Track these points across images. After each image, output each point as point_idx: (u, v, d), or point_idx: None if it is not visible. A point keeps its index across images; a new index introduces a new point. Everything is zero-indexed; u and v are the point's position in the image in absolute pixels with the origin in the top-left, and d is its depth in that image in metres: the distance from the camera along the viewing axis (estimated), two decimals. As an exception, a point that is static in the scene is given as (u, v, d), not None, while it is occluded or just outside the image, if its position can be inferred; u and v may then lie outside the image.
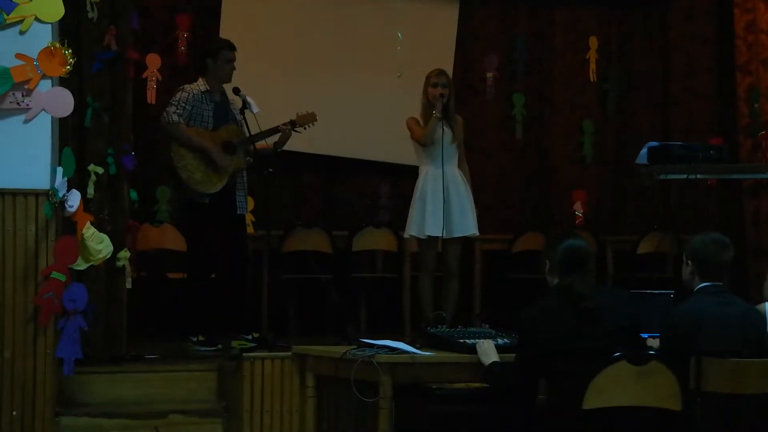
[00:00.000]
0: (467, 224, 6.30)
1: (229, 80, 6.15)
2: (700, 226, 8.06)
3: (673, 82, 8.70)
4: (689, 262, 4.28)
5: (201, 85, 6.10)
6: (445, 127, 6.31)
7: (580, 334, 4.00)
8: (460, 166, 6.42)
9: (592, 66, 8.68)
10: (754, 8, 7.76)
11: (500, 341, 4.87)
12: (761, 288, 4.75)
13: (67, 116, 4.96)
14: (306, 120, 6.32)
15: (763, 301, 4.56)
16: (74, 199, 4.86)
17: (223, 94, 6.18)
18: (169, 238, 6.98)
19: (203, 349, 5.88)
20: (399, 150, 7.70)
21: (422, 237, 6.29)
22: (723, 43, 8.25)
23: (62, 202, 4.84)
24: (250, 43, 7.61)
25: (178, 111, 5.98)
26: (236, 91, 6.14)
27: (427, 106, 6.30)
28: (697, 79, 8.56)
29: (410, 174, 7.40)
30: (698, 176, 6.42)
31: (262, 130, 6.13)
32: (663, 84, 8.78)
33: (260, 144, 6.18)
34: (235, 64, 6.20)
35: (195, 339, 5.95)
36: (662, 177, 6.57)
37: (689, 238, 4.50)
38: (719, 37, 8.35)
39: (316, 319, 7.45)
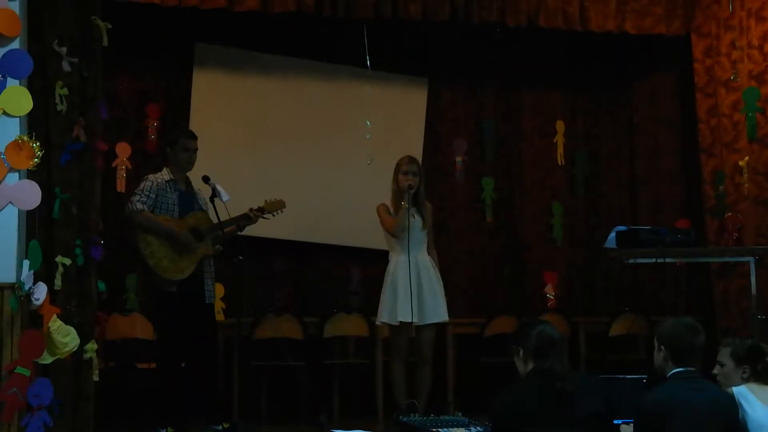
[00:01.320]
0: (439, 310, 6.30)
1: (188, 168, 6.19)
2: (670, 308, 8.16)
3: (639, 163, 8.81)
4: (662, 347, 4.29)
5: (165, 174, 6.14)
6: (415, 215, 6.35)
7: (554, 418, 3.98)
8: (429, 252, 6.45)
9: (560, 149, 8.79)
10: (715, 93, 7.91)
11: (473, 430, 4.85)
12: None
13: (35, 209, 4.93)
14: (274, 207, 6.35)
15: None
16: (41, 292, 4.81)
17: (188, 183, 6.21)
18: (138, 327, 6.92)
19: (171, 440, 5.78)
20: (369, 235, 7.71)
21: (394, 324, 6.26)
22: (687, 125, 8.38)
23: (28, 296, 4.79)
24: (220, 130, 7.69)
25: (142, 199, 5.99)
26: (206, 179, 6.16)
27: (398, 193, 6.34)
28: (662, 161, 8.66)
29: (380, 258, 7.40)
30: (666, 260, 6.46)
31: (231, 217, 6.14)
32: (629, 165, 8.89)
33: (227, 228, 6.18)
34: (200, 152, 6.24)
35: (164, 431, 5.84)
36: (631, 261, 6.60)
37: (660, 321, 4.52)
38: (683, 120, 8.48)
39: (288, 405, 7.35)
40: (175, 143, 6.18)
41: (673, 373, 4.28)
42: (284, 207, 6.39)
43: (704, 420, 4.15)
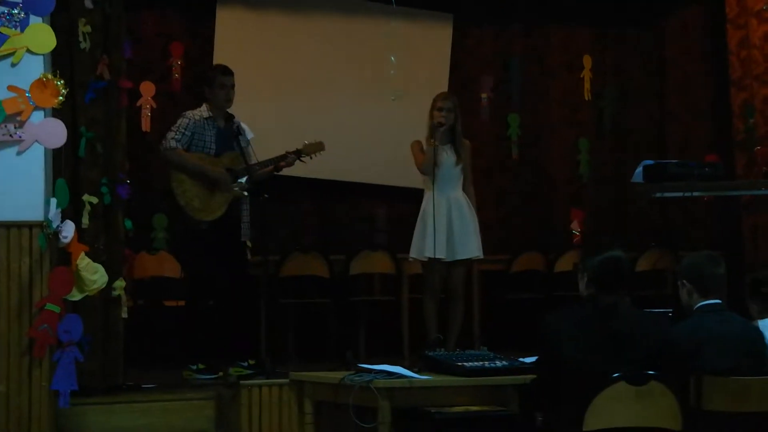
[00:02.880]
0: (470, 247, 6.33)
1: (227, 106, 6.13)
2: (698, 243, 8.11)
3: (668, 98, 8.71)
4: (684, 281, 4.27)
5: (204, 111, 6.10)
6: (448, 152, 6.34)
7: (596, 350, 3.94)
8: (465, 189, 6.43)
9: (587, 85, 8.69)
10: (746, 24, 7.78)
11: (498, 364, 4.87)
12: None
13: (61, 147, 4.95)
14: (313, 149, 6.30)
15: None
16: (68, 230, 4.85)
17: (227, 120, 6.15)
18: (166, 266, 6.97)
19: (203, 377, 5.85)
20: (395, 173, 7.72)
21: (422, 259, 6.28)
22: (717, 59, 8.26)
23: (56, 233, 4.83)
24: (244, 69, 7.59)
25: (176, 137, 5.98)
26: (229, 117, 6.13)
27: (432, 129, 6.30)
28: (692, 96, 8.57)
29: (407, 197, 7.42)
30: (694, 194, 6.41)
31: (258, 159, 6.11)
32: (658, 101, 8.79)
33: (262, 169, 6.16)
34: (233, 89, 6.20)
35: (195, 367, 5.92)
36: (658, 195, 6.54)
37: (684, 258, 4.50)
38: (713, 54, 8.36)
39: (314, 343, 7.42)
40: (213, 81, 6.11)
41: (700, 306, 4.27)
42: (323, 149, 6.34)
43: (733, 351, 4.14)
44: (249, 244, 7.13)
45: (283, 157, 6.19)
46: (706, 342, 4.12)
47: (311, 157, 6.30)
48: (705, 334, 4.14)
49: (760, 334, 4.31)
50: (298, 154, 6.24)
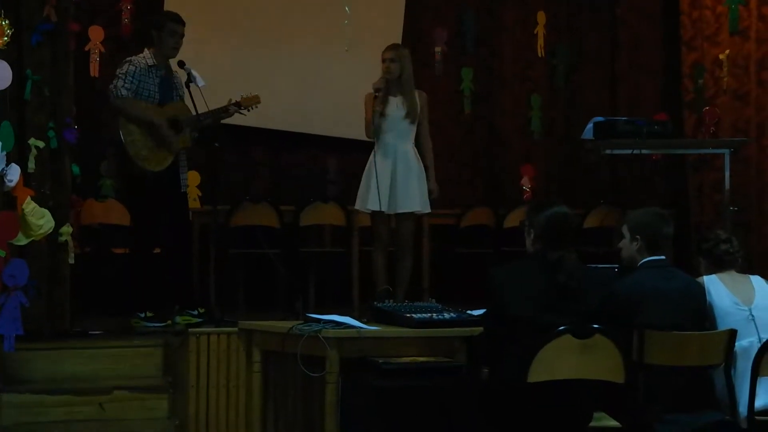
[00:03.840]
0: (413, 200, 6.27)
1: (174, 54, 6.05)
2: (645, 200, 8.20)
3: (620, 57, 8.75)
4: (637, 237, 4.33)
5: (148, 57, 5.99)
6: (399, 103, 6.28)
7: (542, 304, 4.01)
8: (421, 142, 6.37)
9: (540, 41, 8.70)
10: (698, -16, 7.83)
11: (446, 316, 4.91)
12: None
13: (6, 89, 4.84)
14: (250, 102, 6.26)
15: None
16: (14, 174, 4.75)
17: (168, 68, 6.09)
18: (114, 213, 6.90)
19: (152, 324, 5.83)
20: (347, 124, 7.69)
21: (366, 211, 6.28)
22: (669, 18, 8.31)
23: (1, 177, 4.73)
24: (195, 15, 7.48)
25: (125, 85, 5.88)
26: (181, 64, 6.05)
27: (375, 93, 6.24)
28: (643, 55, 8.62)
29: (359, 148, 7.38)
30: (643, 151, 6.49)
31: (210, 108, 6.05)
32: (610, 59, 8.83)
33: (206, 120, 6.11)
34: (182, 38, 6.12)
35: (143, 315, 5.89)
36: (607, 152, 6.61)
37: (628, 213, 4.56)
38: (665, 13, 8.40)
39: (264, 293, 7.42)
40: (163, 27, 5.99)
41: (645, 261, 4.34)
42: (259, 102, 6.30)
43: (674, 307, 4.23)
44: (199, 192, 7.12)
45: (224, 109, 6.14)
46: (649, 297, 4.20)
47: (249, 109, 6.26)
48: (648, 290, 4.22)
49: (702, 290, 4.40)
50: (238, 106, 6.20)
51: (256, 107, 6.30)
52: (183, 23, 6.07)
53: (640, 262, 4.37)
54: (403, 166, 6.25)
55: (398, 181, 6.22)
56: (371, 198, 6.17)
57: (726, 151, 6.49)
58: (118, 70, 5.95)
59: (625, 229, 4.42)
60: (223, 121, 6.32)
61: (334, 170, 8.15)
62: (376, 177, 6.12)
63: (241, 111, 6.22)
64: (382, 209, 6.18)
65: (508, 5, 8.71)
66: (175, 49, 6.04)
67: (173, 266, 6.05)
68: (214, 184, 6.72)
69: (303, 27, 7.98)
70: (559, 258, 4.07)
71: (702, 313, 4.36)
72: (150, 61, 5.97)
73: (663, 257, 4.36)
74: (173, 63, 6.11)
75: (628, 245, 4.40)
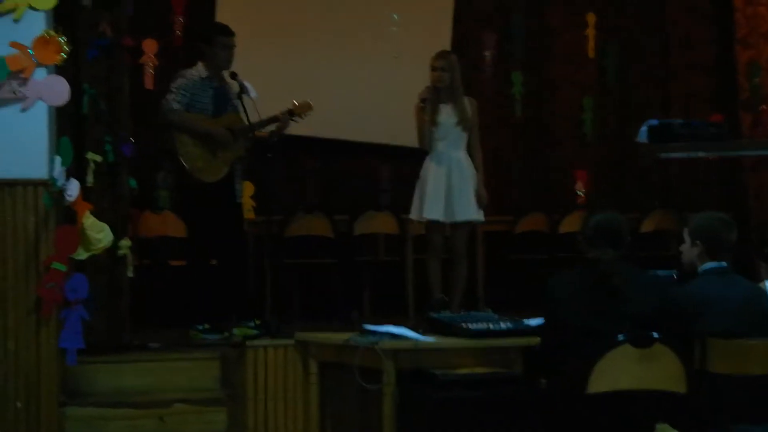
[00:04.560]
0: (468, 209, 6.25)
1: (227, 66, 6.07)
2: (702, 203, 8.08)
3: (672, 56, 8.66)
4: (697, 242, 4.26)
5: (201, 70, 6.03)
6: (450, 110, 6.26)
7: (598, 311, 3.98)
8: (471, 149, 6.35)
9: (591, 43, 8.63)
10: (753, -19, 7.73)
11: (503, 325, 4.88)
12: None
13: (64, 104, 4.92)
14: (303, 109, 6.26)
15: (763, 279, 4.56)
16: (73, 188, 4.83)
17: (222, 79, 6.12)
18: (170, 225, 6.95)
19: (209, 336, 5.87)
20: (398, 132, 7.67)
21: (421, 220, 6.26)
22: (722, 16, 8.19)
23: (61, 192, 4.81)
24: (247, 25, 7.53)
25: (177, 98, 5.93)
26: (233, 75, 6.08)
27: (423, 103, 6.22)
28: (696, 53, 8.52)
29: (411, 156, 7.37)
30: (699, 154, 6.40)
31: (261, 117, 6.08)
32: (662, 58, 8.74)
33: (258, 132, 6.14)
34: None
35: (201, 327, 5.93)
36: (663, 156, 6.53)
37: (691, 217, 4.49)
38: (718, 11, 8.29)
39: (319, 304, 7.42)
40: (213, 41, 6.03)
41: (706, 268, 4.27)
42: (311, 109, 6.28)
43: (737, 314, 4.15)
44: (253, 203, 7.16)
45: (274, 118, 6.14)
46: (710, 304, 4.13)
47: (302, 117, 6.26)
48: (709, 297, 4.15)
49: (764, 296, 4.32)
50: (291, 114, 6.20)
51: (309, 114, 6.31)
52: (233, 35, 6.09)
53: (701, 268, 4.30)
54: (458, 174, 6.23)
55: (454, 189, 6.20)
56: (428, 207, 6.15)
57: (786, 152, 6.39)
58: (171, 84, 6.00)
59: (686, 233, 4.35)
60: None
61: (386, 178, 8.15)
62: (432, 186, 6.11)
63: (293, 119, 6.23)
64: (440, 218, 6.16)
65: (556, 7, 8.65)
66: (228, 62, 6.07)
67: (229, 278, 6.08)
68: (268, 195, 6.75)
69: (352, 35, 8.00)
70: (612, 263, 4.04)
71: (766, 320, 4.28)
72: (203, 74, 6.01)
73: (724, 263, 4.28)
74: (225, 73, 6.15)
75: (688, 249, 4.33)
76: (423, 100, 6.19)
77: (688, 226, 4.37)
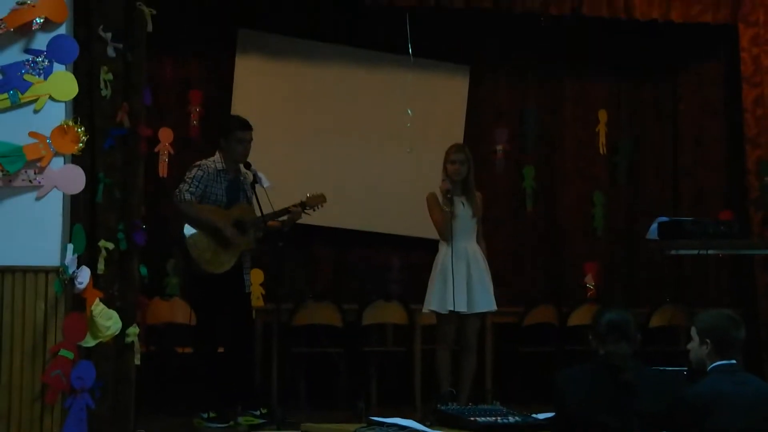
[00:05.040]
0: (488, 300, 6.31)
1: (242, 160, 6.17)
2: (712, 300, 8.08)
3: (682, 153, 8.72)
4: (707, 340, 4.24)
5: (217, 162, 6.12)
6: (464, 203, 6.34)
7: (609, 407, 3.95)
8: (478, 241, 6.43)
9: (602, 139, 8.72)
10: (761, 83, 7.81)
11: (511, 419, 4.83)
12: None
13: (79, 192, 4.98)
14: (315, 201, 6.33)
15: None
16: (84, 276, 4.87)
17: (237, 170, 6.20)
18: (179, 312, 6.96)
19: (215, 425, 5.83)
20: (409, 223, 7.74)
21: (444, 312, 6.25)
22: (732, 115, 8.28)
23: (72, 279, 4.85)
24: (262, 116, 7.67)
25: (191, 189, 6.00)
26: (247, 165, 6.18)
27: (443, 192, 6.30)
28: (706, 151, 8.57)
29: (421, 247, 7.41)
30: (709, 252, 6.41)
31: (274, 209, 6.14)
32: (673, 155, 8.80)
33: (270, 222, 6.19)
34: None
35: (206, 415, 5.90)
36: (673, 252, 6.54)
37: (697, 315, 4.47)
38: (728, 109, 8.38)
39: (326, 393, 7.38)
40: (230, 134, 6.13)
41: (715, 365, 4.24)
42: (324, 201, 6.37)
43: (746, 412, 4.10)
44: (262, 291, 7.17)
45: (286, 211, 6.19)
46: (720, 403, 4.08)
47: (315, 209, 6.32)
48: (718, 395, 4.10)
49: None
50: (302, 206, 6.26)
51: (322, 206, 6.37)
52: (250, 128, 6.19)
53: (710, 366, 4.27)
54: (476, 265, 6.30)
55: (474, 280, 6.25)
56: (450, 299, 6.16)
57: (795, 250, 6.38)
58: (186, 174, 6.09)
59: (693, 332, 4.33)
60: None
61: (396, 268, 8.16)
62: (456, 278, 6.12)
63: (306, 211, 6.29)
64: (462, 310, 6.17)
65: (568, 103, 8.75)
66: (244, 156, 6.15)
67: (236, 366, 6.07)
68: (278, 283, 6.76)
69: (366, 127, 8.11)
70: (623, 359, 4.03)
71: None
72: (219, 166, 6.10)
73: (734, 361, 4.25)
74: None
75: (697, 348, 4.30)
76: (447, 192, 6.26)
77: (695, 324, 4.35)
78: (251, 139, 6.17)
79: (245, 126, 6.18)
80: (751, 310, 7.69)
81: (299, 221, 6.41)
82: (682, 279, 8.50)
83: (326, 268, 8.09)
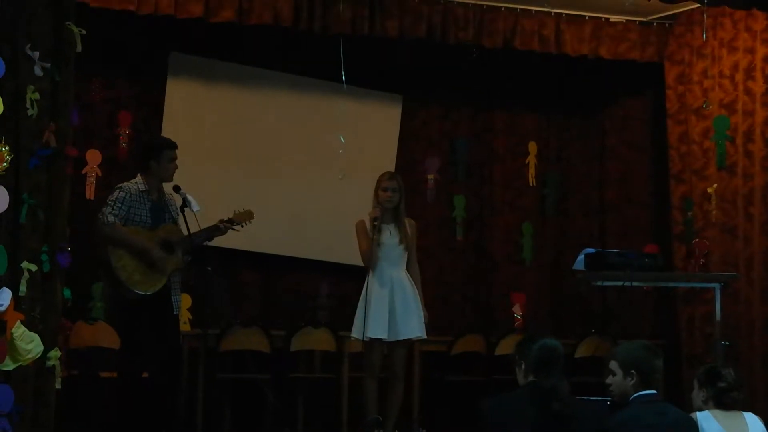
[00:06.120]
0: (412, 327, 6.31)
1: (171, 179, 6.13)
2: (636, 332, 8.21)
3: (609, 187, 8.87)
4: (632, 372, 4.30)
5: (140, 183, 6.07)
6: (392, 230, 6.35)
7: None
8: (410, 269, 6.44)
9: (532, 170, 8.83)
10: (686, 120, 8.00)
11: (437, 448, 4.84)
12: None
13: (1, 213, 4.87)
14: (243, 218, 6.32)
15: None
16: (5, 298, 4.74)
17: (161, 192, 6.15)
18: (103, 336, 6.84)
19: (135, 451, 5.73)
20: (339, 250, 7.74)
21: (365, 339, 6.25)
22: (657, 151, 8.47)
23: (-8, 301, 4.72)
24: (192, 140, 7.65)
25: (114, 211, 5.93)
26: (176, 189, 6.12)
27: (371, 220, 6.32)
28: (632, 186, 8.74)
29: (350, 273, 7.41)
30: (633, 284, 6.52)
31: (201, 228, 6.11)
32: (599, 189, 8.95)
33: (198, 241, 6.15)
34: (177, 160, 6.21)
35: (126, 440, 5.80)
36: (599, 284, 6.64)
37: (614, 349, 4.54)
38: (654, 146, 8.57)
39: (252, 420, 7.31)
40: (160, 155, 6.10)
41: (637, 396, 4.30)
42: (252, 218, 6.37)
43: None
44: (189, 316, 7.09)
45: (215, 228, 6.18)
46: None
47: (242, 225, 6.31)
48: (641, 426, 4.17)
49: (693, 425, 4.35)
50: (230, 222, 6.25)
51: (250, 223, 6.35)
52: (176, 147, 6.19)
53: (632, 397, 4.33)
54: (400, 293, 6.29)
55: (397, 308, 6.25)
56: (370, 326, 6.16)
57: (716, 285, 6.52)
58: (108, 197, 6.03)
59: (615, 366, 4.38)
60: (214, 243, 6.36)
61: (325, 295, 8.14)
62: (375, 306, 6.12)
63: (234, 227, 6.27)
64: (383, 337, 6.16)
65: (499, 134, 8.86)
66: (172, 174, 6.13)
67: (161, 391, 5.98)
68: (205, 308, 6.69)
69: (297, 152, 8.10)
70: (553, 387, 4.06)
71: None
72: (142, 187, 6.05)
73: (655, 391, 4.33)
74: (167, 187, 6.17)
75: (621, 381, 4.36)
76: (375, 219, 6.27)
77: (615, 358, 4.40)
78: (177, 158, 6.14)
79: (173, 145, 6.19)
80: (674, 342, 7.84)
81: (227, 245, 6.36)
82: (607, 311, 8.63)
83: (254, 294, 8.04)
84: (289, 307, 8.01)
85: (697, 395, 4.64)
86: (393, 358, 6.32)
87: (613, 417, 4.31)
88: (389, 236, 6.36)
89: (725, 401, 4.54)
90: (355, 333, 6.29)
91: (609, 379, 4.36)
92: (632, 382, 4.31)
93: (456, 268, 8.66)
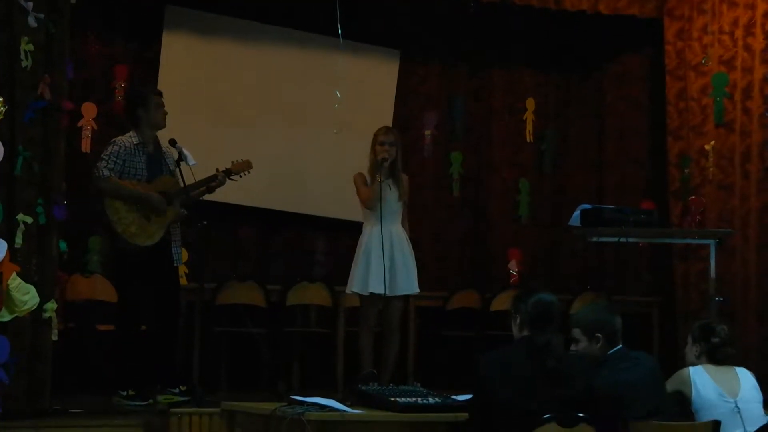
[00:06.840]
0: (411, 283, 6.31)
1: (163, 125, 6.12)
2: (632, 287, 8.25)
3: (606, 144, 8.86)
4: (597, 335, 4.34)
5: (133, 137, 6.05)
6: (390, 186, 6.34)
7: (528, 391, 4.01)
8: (402, 224, 6.43)
9: (529, 127, 8.80)
10: (684, 76, 7.97)
11: (431, 400, 4.88)
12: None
13: (-3, 165, 4.88)
14: (241, 168, 6.32)
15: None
16: (0, 250, 4.76)
17: (157, 144, 6.14)
18: (100, 289, 6.86)
19: (133, 403, 5.77)
20: (335, 205, 7.74)
21: (365, 294, 6.25)
22: (655, 108, 8.44)
23: (-12, 252, 4.73)
24: (189, 94, 7.63)
25: (108, 165, 5.93)
26: (173, 142, 6.11)
27: (374, 164, 6.31)
28: (629, 143, 8.73)
29: (346, 229, 7.42)
30: (629, 239, 6.53)
31: (198, 180, 6.10)
32: (597, 146, 8.93)
33: (195, 191, 6.16)
34: (173, 115, 6.18)
35: (125, 393, 5.84)
36: (594, 239, 6.65)
37: (573, 316, 4.59)
38: (652, 103, 8.54)
39: (248, 373, 7.35)
40: (147, 100, 6.07)
41: (609, 354, 4.35)
42: (251, 167, 6.38)
43: (650, 392, 4.26)
44: (186, 270, 7.11)
45: (213, 177, 6.19)
46: (626, 390, 4.23)
47: (240, 176, 6.32)
48: (622, 383, 4.24)
49: (657, 369, 4.40)
50: (228, 173, 6.25)
51: (248, 173, 6.35)
52: (161, 94, 6.19)
53: (607, 354, 4.37)
54: (399, 248, 6.30)
55: (397, 263, 6.24)
56: (372, 281, 6.16)
57: (711, 241, 6.53)
58: (103, 152, 6.01)
59: (578, 333, 4.41)
60: (211, 198, 6.36)
61: (321, 250, 8.15)
62: (377, 260, 6.12)
63: (231, 178, 6.27)
64: (385, 292, 6.17)
65: (497, 91, 8.82)
66: (164, 120, 6.11)
67: (158, 344, 6.01)
68: (202, 262, 6.71)
69: (294, 107, 8.06)
70: (547, 343, 4.09)
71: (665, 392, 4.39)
72: (135, 140, 6.04)
73: (620, 346, 4.38)
74: (164, 140, 6.16)
75: (587, 346, 4.39)
76: (384, 160, 6.22)
77: (577, 325, 4.44)
78: (164, 104, 6.13)
79: (158, 91, 6.20)
80: (669, 298, 7.88)
81: (224, 200, 6.37)
82: (603, 267, 8.65)
83: (251, 248, 8.04)
84: (286, 262, 8.02)
85: (691, 350, 4.70)
86: (389, 312, 6.32)
87: (599, 378, 4.31)
88: (388, 191, 6.34)
89: (718, 356, 4.60)
90: (357, 288, 6.24)
91: (574, 347, 4.39)
92: (599, 345, 4.36)
93: (453, 225, 8.67)
